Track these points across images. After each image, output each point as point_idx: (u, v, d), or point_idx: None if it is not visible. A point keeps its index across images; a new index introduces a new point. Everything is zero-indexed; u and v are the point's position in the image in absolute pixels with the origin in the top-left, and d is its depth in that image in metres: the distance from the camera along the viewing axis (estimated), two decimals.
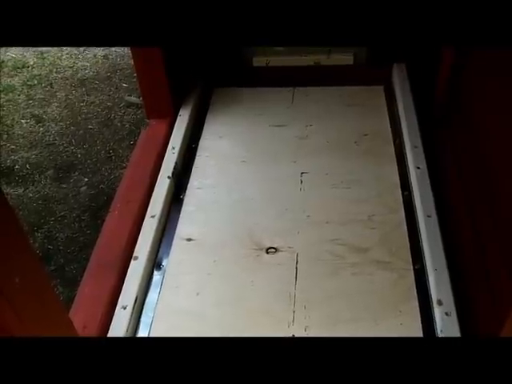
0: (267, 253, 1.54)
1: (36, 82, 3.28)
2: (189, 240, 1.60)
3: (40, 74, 3.34)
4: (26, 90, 3.22)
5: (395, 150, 1.86)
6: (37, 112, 3.06)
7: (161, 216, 1.64)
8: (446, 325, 1.31)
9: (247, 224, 1.63)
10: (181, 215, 1.68)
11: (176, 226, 1.64)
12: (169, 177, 1.76)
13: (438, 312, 1.34)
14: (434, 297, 1.38)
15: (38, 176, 2.66)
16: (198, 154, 1.90)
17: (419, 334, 1.33)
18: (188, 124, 1.99)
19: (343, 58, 2.18)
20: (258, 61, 2.20)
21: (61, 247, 2.33)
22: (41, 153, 2.79)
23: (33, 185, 2.62)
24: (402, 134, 1.89)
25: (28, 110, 3.07)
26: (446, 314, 1.33)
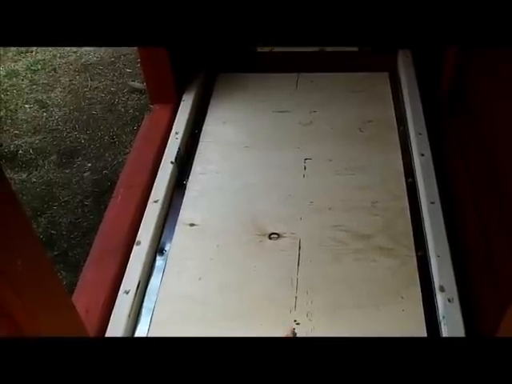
0: (270, 238, 1.54)
1: (40, 67, 3.27)
2: (192, 225, 1.60)
3: (44, 59, 3.33)
4: (29, 75, 3.22)
5: (399, 137, 1.85)
6: (40, 97, 3.05)
7: (164, 201, 1.64)
8: (448, 311, 1.31)
9: (250, 210, 1.63)
10: (184, 200, 1.68)
11: (179, 211, 1.64)
12: (172, 162, 1.75)
13: (440, 298, 1.34)
14: (437, 283, 1.38)
15: (41, 161, 2.66)
16: (201, 139, 1.90)
17: (421, 319, 1.33)
18: (191, 109, 1.98)
19: None
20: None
21: (64, 232, 2.34)
22: (44, 138, 2.79)
23: (36, 170, 2.62)
24: (406, 120, 1.88)
25: (32, 95, 3.07)
26: (449, 300, 1.33)
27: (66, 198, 2.48)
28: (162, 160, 1.77)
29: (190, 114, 1.96)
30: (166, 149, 1.81)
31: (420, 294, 1.38)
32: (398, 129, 1.88)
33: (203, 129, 1.94)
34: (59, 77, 3.20)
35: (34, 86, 3.14)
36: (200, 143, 1.88)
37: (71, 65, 3.28)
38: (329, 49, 2.15)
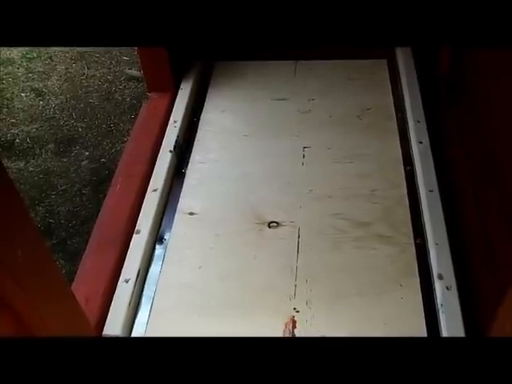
0: (269, 227, 1.54)
1: (35, 55, 3.25)
2: (191, 214, 1.60)
3: (39, 48, 3.30)
4: (25, 63, 3.19)
5: (398, 125, 1.85)
6: (37, 85, 3.03)
7: (163, 190, 1.64)
8: (447, 299, 1.32)
9: (249, 198, 1.63)
10: (183, 189, 1.68)
11: (178, 200, 1.64)
12: (171, 151, 1.75)
13: (438, 286, 1.35)
14: (435, 271, 1.38)
15: (38, 150, 2.65)
16: (199, 128, 1.89)
17: (420, 307, 1.34)
18: (190, 98, 1.98)
19: None
20: None
21: (62, 221, 2.33)
22: (41, 126, 2.78)
23: (33, 158, 2.61)
24: (404, 108, 1.88)
25: (28, 84, 3.05)
26: (447, 288, 1.34)
27: (63, 187, 2.47)
28: (161, 149, 1.77)
29: (189, 103, 1.96)
30: (165, 137, 1.81)
31: (419, 281, 1.39)
32: (397, 116, 1.88)
33: (202, 117, 1.93)
34: (55, 65, 3.18)
35: (30, 75, 3.12)
36: (199, 132, 1.88)
37: (67, 53, 3.26)
38: None
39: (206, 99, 2.01)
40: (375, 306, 1.35)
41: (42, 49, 3.28)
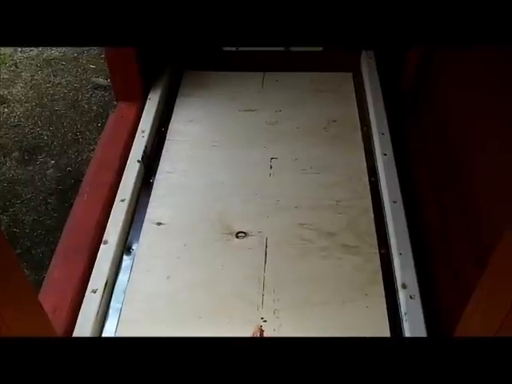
0: (237, 237, 1.56)
1: (0, 61, 3.21)
2: (159, 224, 1.60)
3: (4, 54, 3.26)
4: None
5: (363, 137, 1.89)
6: (1, 92, 2.99)
7: (131, 200, 1.64)
8: (410, 307, 1.35)
9: (217, 208, 1.64)
10: (151, 199, 1.68)
11: (146, 210, 1.65)
12: (139, 161, 1.75)
13: (402, 295, 1.39)
14: (399, 280, 1.42)
15: (3, 158, 2.62)
16: (167, 137, 1.90)
17: (384, 315, 1.37)
18: (158, 107, 1.98)
19: None
20: None
21: (27, 230, 2.31)
22: (6, 134, 2.74)
23: None
24: (369, 120, 1.92)
25: None
26: (411, 297, 1.38)
27: (28, 196, 2.44)
28: (129, 158, 1.77)
29: (157, 113, 1.96)
30: (133, 147, 1.81)
31: (383, 290, 1.42)
32: (362, 128, 1.92)
33: (170, 127, 1.94)
34: (20, 72, 3.14)
35: None
36: (167, 141, 1.88)
37: (33, 60, 3.23)
38: (294, 48, 2.17)
39: (174, 109, 2.02)
40: (341, 314, 1.38)
41: (7, 55, 3.24)
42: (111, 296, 1.43)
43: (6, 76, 3.11)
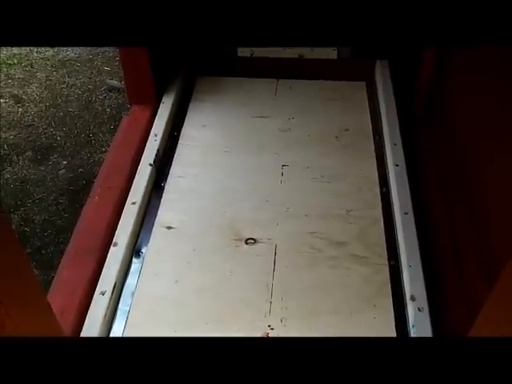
0: (246, 243, 1.56)
1: (16, 61, 3.23)
2: (169, 228, 1.61)
3: (20, 54, 3.29)
4: (5, 69, 3.18)
5: (375, 147, 1.88)
6: (16, 92, 3.02)
7: (141, 203, 1.64)
8: (418, 320, 1.35)
9: (227, 214, 1.64)
10: (161, 203, 1.68)
11: (156, 213, 1.65)
12: (150, 164, 1.76)
13: (410, 307, 1.38)
14: (408, 292, 1.41)
15: (15, 157, 2.64)
16: (180, 142, 1.91)
17: (392, 327, 1.36)
18: (171, 111, 1.99)
19: (327, 53, 2.20)
20: (243, 51, 2.20)
21: (37, 230, 2.32)
22: (19, 134, 2.76)
23: (10, 166, 2.59)
24: (382, 130, 1.92)
25: (7, 90, 3.03)
26: (419, 309, 1.37)
27: (40, 196, 2.46)
28: (141, 162, 1.77)
29: (170, 116, 1.97)
30: (145, 150, 1.82)
31: (391, 302, 1.42)
32: (374, 138, 1.92)
33: (182, 131, 1.95)
34: (36, 72, 3.17)
35: (10, 81, 3.10)
36: (179, 145, 1.89)
37: (48, 60, 3.26)
38: (308, 56, 2.18)
39: (187, 114, 2.03)
40: (349, 324, 1.37)
41: (22, 55, 3.26)
42: (119, 298, 1.44)
43: (22, 76, 3.14)
